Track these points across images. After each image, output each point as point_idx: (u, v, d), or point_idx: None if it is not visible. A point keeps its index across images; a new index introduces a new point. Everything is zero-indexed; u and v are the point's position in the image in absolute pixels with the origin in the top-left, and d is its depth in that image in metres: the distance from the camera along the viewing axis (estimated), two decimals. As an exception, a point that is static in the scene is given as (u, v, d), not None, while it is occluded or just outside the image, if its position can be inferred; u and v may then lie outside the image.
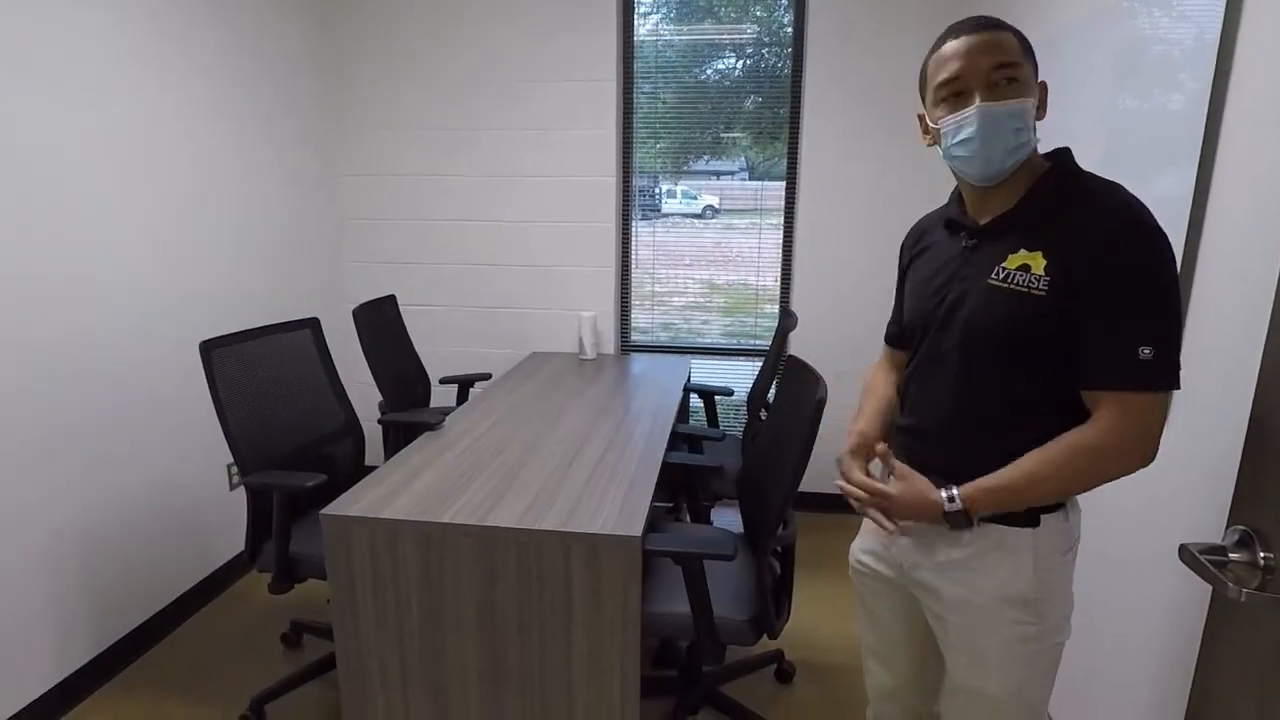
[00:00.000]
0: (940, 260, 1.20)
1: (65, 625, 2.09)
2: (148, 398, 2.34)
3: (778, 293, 3.40)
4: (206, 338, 1.92)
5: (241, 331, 2.01)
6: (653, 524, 1.68)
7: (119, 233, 2.21)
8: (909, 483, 1.15)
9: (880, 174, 3.08)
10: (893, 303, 1.44)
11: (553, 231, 3.32)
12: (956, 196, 1.23)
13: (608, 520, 1.64)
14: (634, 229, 3.42)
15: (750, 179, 3.45)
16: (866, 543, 1.37)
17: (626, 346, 3.53)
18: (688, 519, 2.62)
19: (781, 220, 3.32)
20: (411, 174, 3.36)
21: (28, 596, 1.98)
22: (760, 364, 2.99)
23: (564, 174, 3.27)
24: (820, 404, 1.60)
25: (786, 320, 2.56)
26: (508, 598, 1.65)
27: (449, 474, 1.90)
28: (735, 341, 3.50)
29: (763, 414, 2.56)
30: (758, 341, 3.47)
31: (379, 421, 2.34)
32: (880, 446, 1.22)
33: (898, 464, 1.19)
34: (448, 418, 2.34)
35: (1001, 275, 1.07)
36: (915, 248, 1.31)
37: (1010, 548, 1.10)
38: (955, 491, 1.10)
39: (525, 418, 2.37)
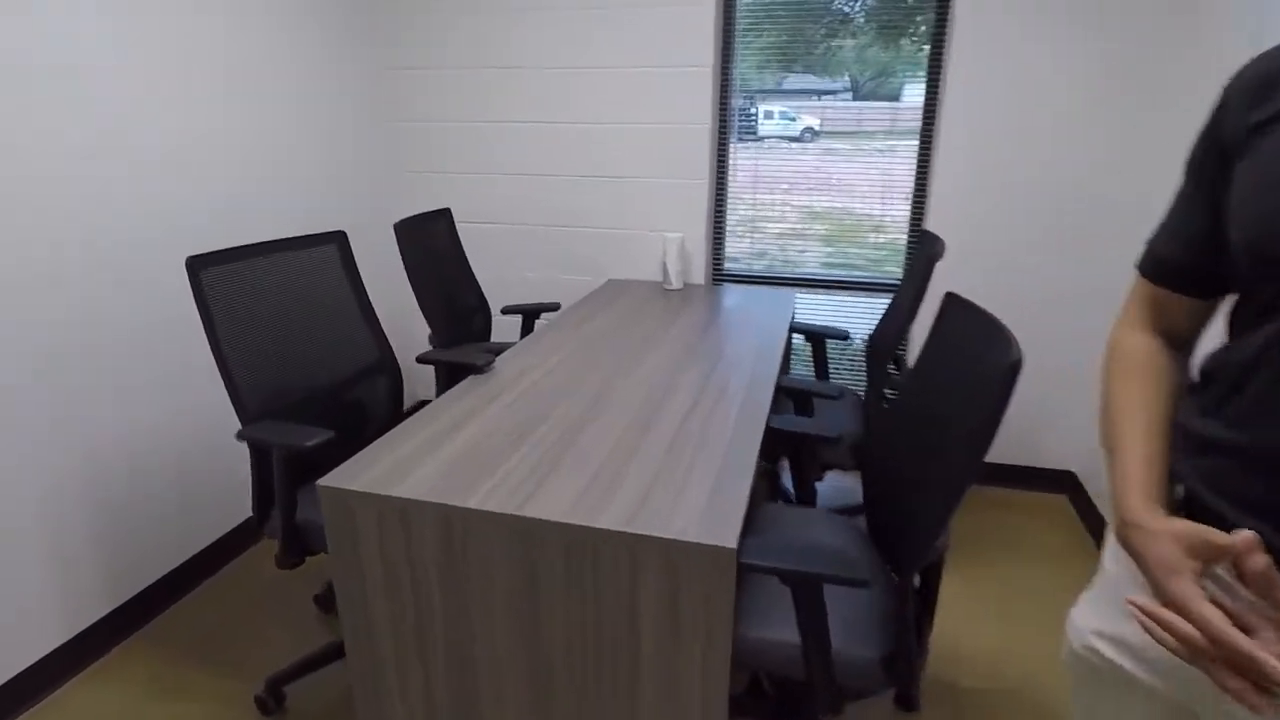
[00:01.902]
0: None
1: (74, 579, 1.84)
2: (170, 324, 2.02)
3: (893, 221, 2.78)
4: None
5: (242, 247, 1.62)
6: (749, 513, 1.22)
7: (137, 136, 1.85)
8: None
9: (1077, 62, 2.38)
10: (1170, 209, 0.84)
11: (635, 136, 2.79)
12: None
13: (690, 519, 1.18)
14: (732, 131, 2.84)
15: (854, 99, 2.82)
16: (1104, 619, 0.82)
17: (718, 276, 3.01)
18: (790, 486, 2.15)
19: (916, 141, 2.67)
20: (467, 67, 2.87)
21: (28, 547, 1.72)
22: (888, 301, 2.43)
23: (650, 64, 2.70)
24: (1013, 373, 1.07)
25: (932, 246, 1.97)
26: (552, 609, 1.24)
27: (491, 433, 1.48)
28: (843, 273, 2.92)
29: (892, 368, 2.02)
30: (871, 275, 2.87)
31: (419, 359, 1.95)
32: (1248, 537, 0.59)
33: None
34: (500, 357, 1.92)
35: None
36: (1265, 107, 0.69)
37: None
38: None
39: (595, 359, 1.92)
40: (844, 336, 2.41)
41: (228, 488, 2.29)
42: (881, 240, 2.85)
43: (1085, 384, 2.58)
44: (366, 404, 1.88)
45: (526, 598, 1.25)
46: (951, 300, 1.40)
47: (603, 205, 2.89)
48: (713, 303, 2.57)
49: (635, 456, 1.39)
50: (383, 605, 1.33)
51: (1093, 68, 2.34)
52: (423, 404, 1.62)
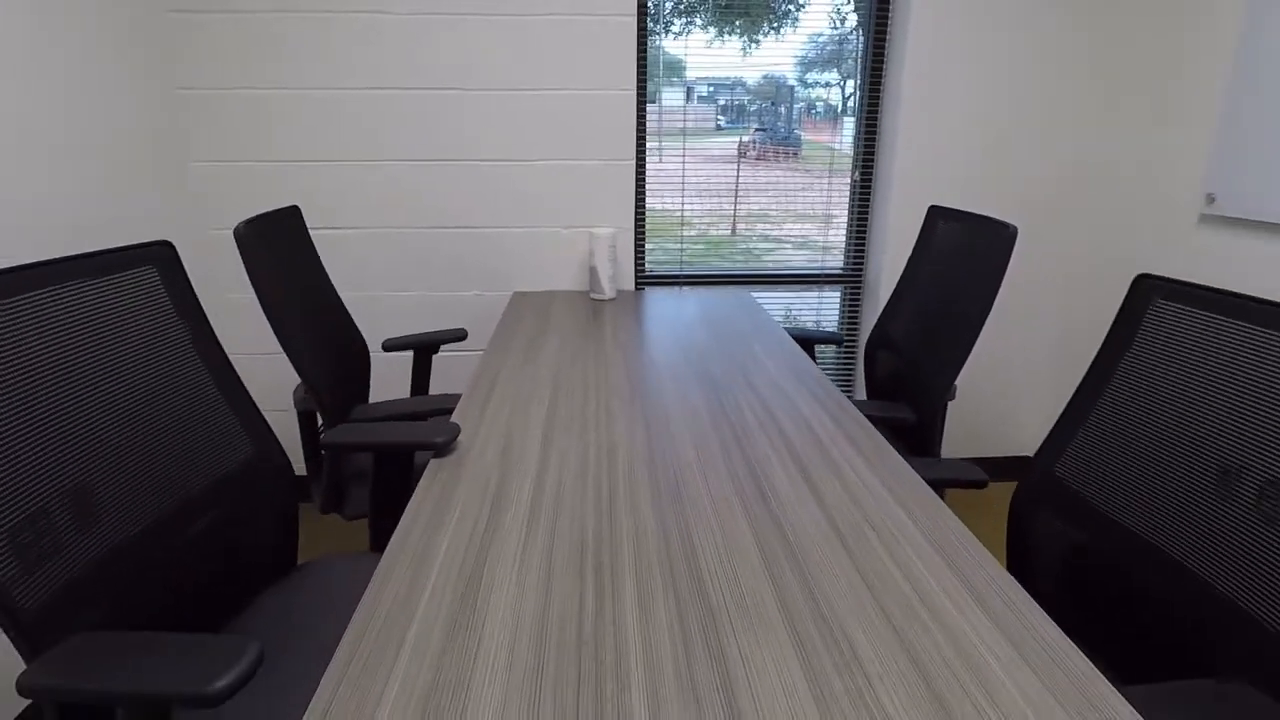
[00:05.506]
0: None
1: None
2: None
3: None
4: None
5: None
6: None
7: None
8: None
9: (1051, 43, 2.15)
10: None
11: (535, 104, 2.16)
12: None
13: None
14: (657, 96, 2.31)
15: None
16: None
17: (643, 279, 2.46)
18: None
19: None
20: (294, 10, 2.05)
21: None
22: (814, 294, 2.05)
23: (557, 9, 2.09)
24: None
25: (1003, 231, 1.53)
26: None
27: (543, 628, 0.84)
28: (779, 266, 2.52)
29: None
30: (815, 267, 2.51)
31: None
32: None
33: None
34: (456, 420, 1.24)
35: None
36: None
37: None
38: None
39: (592, 414, 1.32)
40: (838, 342, 2.00)
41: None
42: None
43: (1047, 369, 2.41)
44: (249, 527, 1.11)
45: None
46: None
47: (496, 197, 2.22)
48: (673, 313, 2.03)
49: (848, 605, 0.83)
50: None
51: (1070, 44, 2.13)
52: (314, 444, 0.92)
